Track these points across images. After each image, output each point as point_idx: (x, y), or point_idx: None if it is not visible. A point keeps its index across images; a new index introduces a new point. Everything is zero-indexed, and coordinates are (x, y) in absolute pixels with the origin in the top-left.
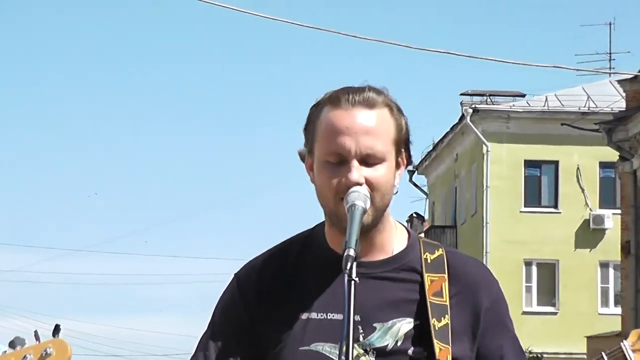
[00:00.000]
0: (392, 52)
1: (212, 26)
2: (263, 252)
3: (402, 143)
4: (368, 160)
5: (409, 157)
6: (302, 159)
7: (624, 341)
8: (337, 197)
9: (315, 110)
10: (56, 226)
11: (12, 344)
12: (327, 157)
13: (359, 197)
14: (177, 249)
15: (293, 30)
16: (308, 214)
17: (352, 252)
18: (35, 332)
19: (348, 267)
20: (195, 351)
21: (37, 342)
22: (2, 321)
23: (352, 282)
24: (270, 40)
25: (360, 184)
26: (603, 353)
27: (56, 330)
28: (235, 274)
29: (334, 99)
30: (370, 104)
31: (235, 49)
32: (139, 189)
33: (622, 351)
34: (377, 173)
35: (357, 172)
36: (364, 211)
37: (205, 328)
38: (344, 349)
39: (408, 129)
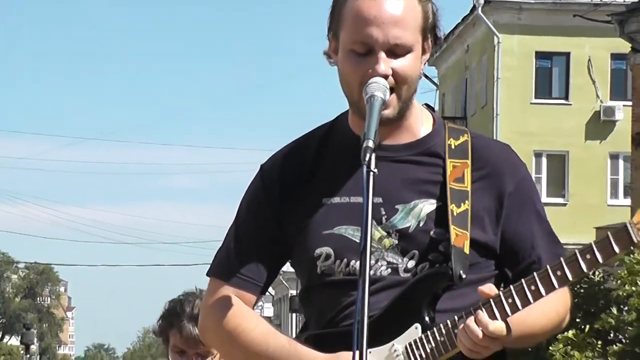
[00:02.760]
0: None
1: None
2: (288, 143)
3: (429, 30)
4: (396, 51)
5: (435, 41)
6: (328, 54)
7: (629, 220)
8: (361, 88)
9: None
10: (68, 113)
11: None
12: (353, 46)
13: (379, 88)
14: (192, 139)
15: None
16: (331, 106)
17: (370, 144)
18: None
19: (367, 159)
20: (221, 247)
21: None
22: (12, 208)
23: (371, 173)
24: None
25: (387, 76)
26: (609, 233)
27: None
28: (261, 166)
29: None
30: None
31: None
32: (156, 78)
33: (628, 231)
34: (404, 63)
35: (385, 63)
36: (383, 102)
37: (232, 222)
38: (364, 240)
39: (435, 15)
